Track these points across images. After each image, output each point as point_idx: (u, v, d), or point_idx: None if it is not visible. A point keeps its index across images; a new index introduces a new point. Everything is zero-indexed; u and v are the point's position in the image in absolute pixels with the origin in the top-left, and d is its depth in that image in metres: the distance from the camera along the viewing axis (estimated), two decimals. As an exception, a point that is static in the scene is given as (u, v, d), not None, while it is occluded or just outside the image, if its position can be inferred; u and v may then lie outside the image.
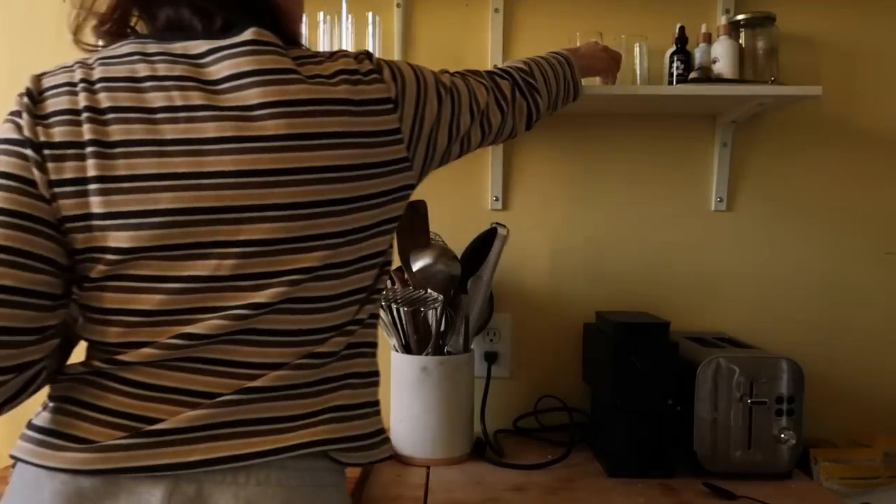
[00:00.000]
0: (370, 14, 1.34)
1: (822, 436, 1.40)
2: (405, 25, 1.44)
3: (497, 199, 1.45)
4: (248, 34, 0.66)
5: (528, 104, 0.99)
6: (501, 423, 1.44)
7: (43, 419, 0.66)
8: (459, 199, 1.45)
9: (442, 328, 1.24)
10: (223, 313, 0.63)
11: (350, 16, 1.34)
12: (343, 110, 0.67)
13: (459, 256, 1.28)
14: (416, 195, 1.46)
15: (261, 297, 0.64)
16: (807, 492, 1.12)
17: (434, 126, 0.77)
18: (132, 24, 0.73)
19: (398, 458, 1.25)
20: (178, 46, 0.67)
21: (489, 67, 1.42)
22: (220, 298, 0.63)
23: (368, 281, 0.71)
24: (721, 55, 1.31)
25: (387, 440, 0.74)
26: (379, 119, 0.69)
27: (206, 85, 0.65)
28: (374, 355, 0.75)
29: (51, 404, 0.66)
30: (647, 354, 1.16)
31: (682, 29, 1.34)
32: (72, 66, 0.67)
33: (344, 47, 1.34)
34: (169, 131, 0.63)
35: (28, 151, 0.62)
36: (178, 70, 0.65)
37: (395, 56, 1.43)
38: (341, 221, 0.67)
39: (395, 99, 0.71)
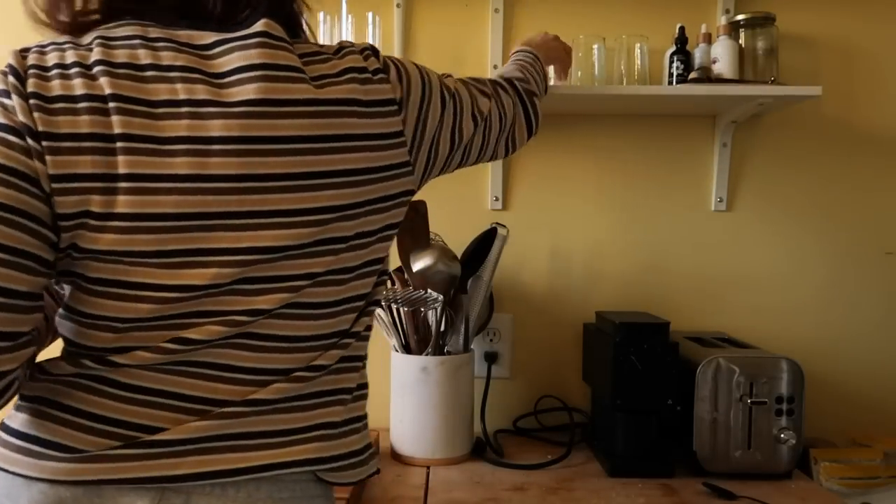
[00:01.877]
0: (370, 14, 1.33)
1: (822, 436, 1.40)
2: (405, 25, 1.44)
3: (497, 199, 1.45)
4: (259, 25, 0.62)
5: (530, 115, 0.97)
6: (501, 423, 1.44)
7: (20, 422, 0.61)
8: (459, 199, 1.45)
9: (442, 328, 1.24)
10: (221, 318, 0.61)
11: (350, 16, 1.34)
12: (351, 111, 0.64)
13: (459, 256, 1.28)
14: (416, 195, 1.45)
15: (261, 302, 0.61)
16: (807, 492, 1.12)
17: (437, 131, 0.75)
18: None
19: (398, 458, 1.25)
20: (183, 35, 0.62)
21: (489, 67, 1.43)
22: (218, 303, 0.61)
23: (367, 288, 0.69)
24: (721, 55, 1.31)
25: (375, 454, 0.72)
26: (384, 121, 0.67)
27: (212, 78, 0.60)
28: (364, 367, 0.72)
29: (28, 406, 0.61)
30: (647, 354, 1.17)
31: (682, 29, 1.34)
32: (63, 44, 0.60)
33: (344, 47, 1.33)
34: (169, 128, 0.58)
35: (27, 140, 0.56)
36: (182, 60, 0.60)
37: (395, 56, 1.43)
38: (348, 227, 0.64)
39: (400, 101, 0.69)
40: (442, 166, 0.79)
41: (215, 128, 0.59)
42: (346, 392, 0.68)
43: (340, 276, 0.65)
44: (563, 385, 1.45)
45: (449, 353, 1.26)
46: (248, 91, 0.60)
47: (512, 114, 0.93)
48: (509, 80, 0.97)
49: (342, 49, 0.68)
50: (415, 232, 1.25)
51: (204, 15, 0.64)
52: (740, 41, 1.34)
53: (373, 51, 0.70)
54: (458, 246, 1.31)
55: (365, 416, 0.72)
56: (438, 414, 1.22)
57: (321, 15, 1.32)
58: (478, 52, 1.44)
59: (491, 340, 1.45)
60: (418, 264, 1.23)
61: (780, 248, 1.45)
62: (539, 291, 1.46)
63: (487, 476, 1.18)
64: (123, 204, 0.57)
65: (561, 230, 1.46)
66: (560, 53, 1.24)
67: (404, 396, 1.24)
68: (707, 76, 1.31)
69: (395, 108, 0.68)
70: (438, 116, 0.75)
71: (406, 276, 1.25)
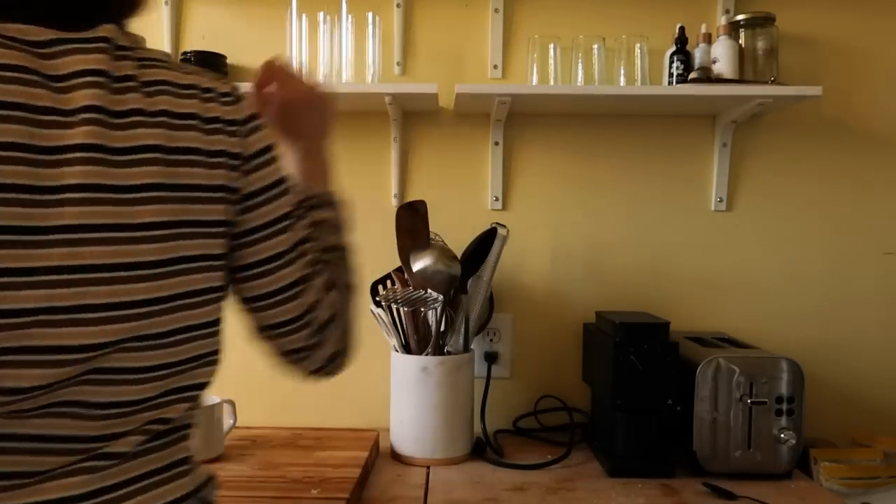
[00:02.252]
0: (370, 14, 1.34)
1: (822, 436, 1.40)
2: (405, 25, 1.44)
3: (497, 199, 1.45)
4: (102, 30, 0.59)
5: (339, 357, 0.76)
6: (501, 423, 1.44)
7: None
8: (459, 199, 1.45)
9: (442, 328, 1.24)
10: (53, 357, 0.54)
11: (350, 16, 1.34)
12: (191, 125, 0.61)
13: (459, 256, 1.28)
14: (412, 195, 1.46)
15: (102, 334, 0.56)
16: (807, 492, 1.12)
17: (264, 195, 0.67)
18: None
19: (398, 458, 1.25)
20: (12, 28, 0.55)
21: (489, 67, 1.43)
22: (48, 337, 0.54)
23: (214, 315, 0.64)
24: (721, 55, 1.31)
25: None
26: (222, 139, 0.63)
27: (49, 81, 0.55)
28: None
29: None
30: (647, 354, 1.16)
31: (682, 29, 1.34)
32: None
33: (344, 47, 1.34)
34: (2, 133, 0.53)
35: None
36: (15, 58, 0.54)
37: (395, 56, 1.43)
38: (194, 246, 0.61)
39: (241, 123, 0.65)
40: (246, 233, 0.67)
41: (55, 137, 0.54)
42: (191, 427, 0.67)
43: (187, 300, 0.61)
44: (563, 385, 1.45)
45: (449, 353, 1.26)
46: (84, 97, 0.56)
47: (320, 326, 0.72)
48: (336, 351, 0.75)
49: (185, 66, 0.66)
50: (415, 232, 1.25)
51: (38, 9, 0.58)
52: (740, 41, 1.34)
53: (231, 85, 0.67)
54: (458, 246, 1.31)
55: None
56: (438, 414, 1.22)
57: (321, 15, 1.33)
58: (478, 52, 1.44)
59: (491, 340, 1.45)
60: (418, 264, 1.23)
61: (779, 248, 1.45)
62: (539, 291, 1.46)
63: (487, 476, 1.18)
64: None
65: (561, 230, 1.46)
66: (319, 124, 0.83)
67: (404, 396, 1.24)
68: (707, 76, 1.31)
69: (234, 129, 0.64)
70: (272, 181, 0.67)
71: (406, 276, 1.25)
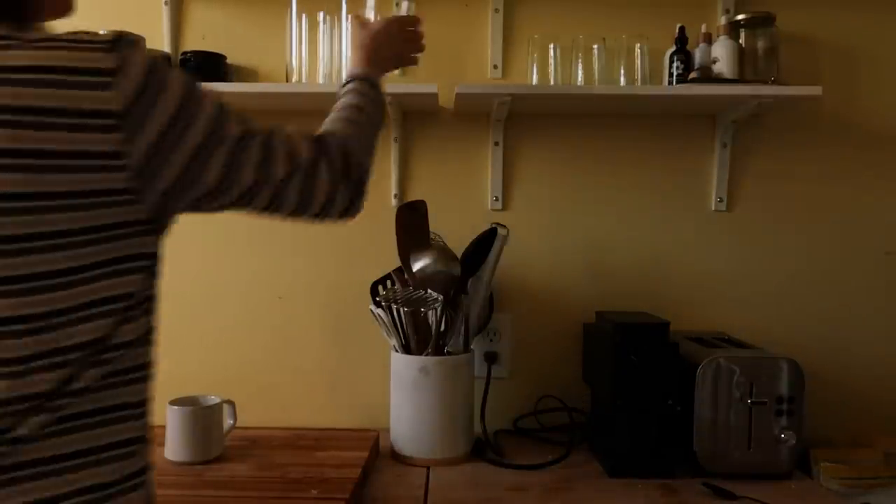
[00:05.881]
0: (370, 14, 1.33)
1: (822, 436, 1.40)
2: (405, 25, 1.43)
3: (497, 199, 1.45)
4: None
5: (350, 200, 0.83)
6: (501, 423, 1.44)
7: None
8: (459, 199, 1.45)
9: (442, 328, 1.24)
10: None
11: (350, 16, 1.34)
12: (36, 122, 0.55)
13: (459, 256, 1.28)
14: (412, 195, 1.46)
15: None
16: (807, 492, 1.12)
17: (190, 161, 0.64)
18: None
19: (398, 458, 1.25)
20: None
21: (489, 67, 1.43)
22: None
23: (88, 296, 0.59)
24: (721, 55, 1.31)
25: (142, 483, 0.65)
26: (88, 94, 0.56)
27: None
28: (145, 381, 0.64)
29: None
30: (647, 354, 1.16)
31: (682, 29, 1.34)
32: None
33: (344, 47, 1.34)
34: None
35: None
36: None
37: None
38: (54, 220, 0.56)
39: (115, 72, 0.57)
40: (197, 198, 0.67)
41: None
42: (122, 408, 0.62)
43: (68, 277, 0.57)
44: (563, 385, 1.45)
45: (449, 353, 1.26)
46: None
47: (322, 198, 0.79)
48: (345, 155, 0.82)
49: (55, 40, 0.58)
50: (415, 232, 1.25)
51: None
52: (740, 41, 1.34)
53: (115, 44, 0.59)
54: (458, 246, 1.31)
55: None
56: (438, 414, 1.22)
57: (321, 15, 1.33)
58: (478, 52, 1.44)
59: (491, 340, 1.45)
60: (418, 264, 1.23)
61: (780, 248, 1.45)
62: (539, 291, 1.46)
63: (487, 476, 1.18)
64: None
65: (561, 230, 1.46)
66: (400, 50, 1.10)
67: (404, 396, 1.24)
68: (707, 76, 1.31)
69: (106, 79, 0.57)
70: (196, 145, 0.64)
71: (406, 275, 1.25)
